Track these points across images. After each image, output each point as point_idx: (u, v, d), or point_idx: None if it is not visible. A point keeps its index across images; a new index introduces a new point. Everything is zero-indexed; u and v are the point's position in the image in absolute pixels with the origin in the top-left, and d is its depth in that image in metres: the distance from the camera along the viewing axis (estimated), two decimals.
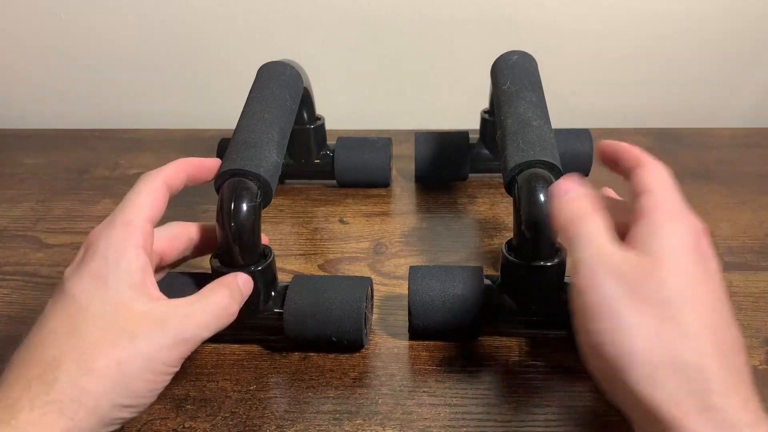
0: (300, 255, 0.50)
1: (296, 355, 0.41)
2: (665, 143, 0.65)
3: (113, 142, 0.69)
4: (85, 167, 0.64)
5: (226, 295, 0.34)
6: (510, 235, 0.39)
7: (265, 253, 0.39)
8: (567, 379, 0.38)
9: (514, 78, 0.45)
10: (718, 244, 0.50)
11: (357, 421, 0.36)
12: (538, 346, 0.41)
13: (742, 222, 0.53)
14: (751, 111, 0.73)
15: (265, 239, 0.40)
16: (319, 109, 0.57)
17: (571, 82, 0.71)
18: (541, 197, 0.37)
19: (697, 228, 0.31)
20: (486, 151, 0.57)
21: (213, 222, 0.38)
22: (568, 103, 0.71)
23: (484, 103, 0.57)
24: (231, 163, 0.38)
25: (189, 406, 0.37)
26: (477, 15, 0.67)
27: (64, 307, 0.31)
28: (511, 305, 0.39)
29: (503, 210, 0.55)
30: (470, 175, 0.59)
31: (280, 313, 0.39)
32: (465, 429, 0.36)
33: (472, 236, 0.52)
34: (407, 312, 0.40)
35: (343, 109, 0.66)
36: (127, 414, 0.31)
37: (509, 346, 0.41)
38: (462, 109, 0.65)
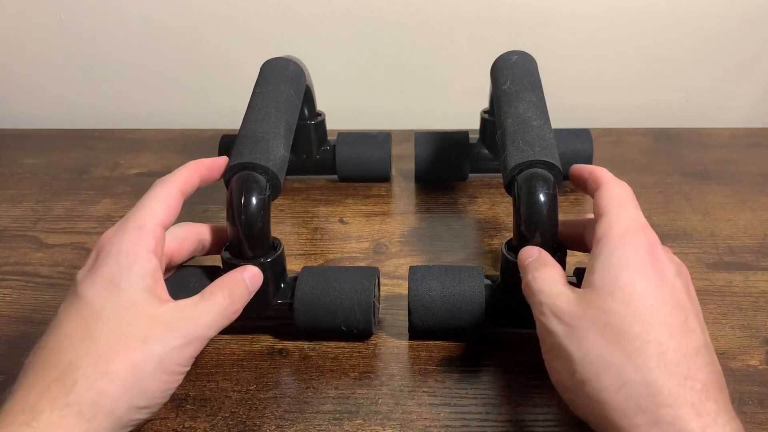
0: (300, 255, 0.50)
1: (296, 355, 0.41)
2: (665, 143, 0.65)
3: (113, 142, 0.69)
4: (85, 167, 0.64)
5: (227, 296, 0.35)
6: (510, 235, 0.39)
7: (275, 245, 0.40)
8: None
9: (514, 78, 0.45)
10: (718, 245, 0.50)
11: (357, 421, 0.36)
12: (538, 346, 0.41)
13: (742, 222, 0.53)
14: (751, 111, 0.73)
15: None
16: (320, 109, 0.57)
17: (571, 82, 0.71)
18: (541, 197, 0.37)
19: (647, 240, 0.32)
20: (486, 151, 0.57)
21: (221, 222, 0.38)
22: (568, 103, 0.71)
23: (484, 103, 0.57)
24: (240, 157, 0.39)
25: (189, 406, 0.37)
26: (477, 15, 0.67)
27: (79, 312, 0.31)
28: (511, 305, 0.39)
29: (503, 210, 0.55)
30: (470, 175, 0.59)
31: (290, 304, 0.40)
32: (465, 429, 0.36)
33: (472, 236, 0.52)
34: (407, 312, 0.40)
35: (343, 109, 0.66)
36: (142, 415, 0.31)
37: (509, 346, 0.41)
38: (462, 109, 0.65)
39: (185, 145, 0.68)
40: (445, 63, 0.70)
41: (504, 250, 0.39)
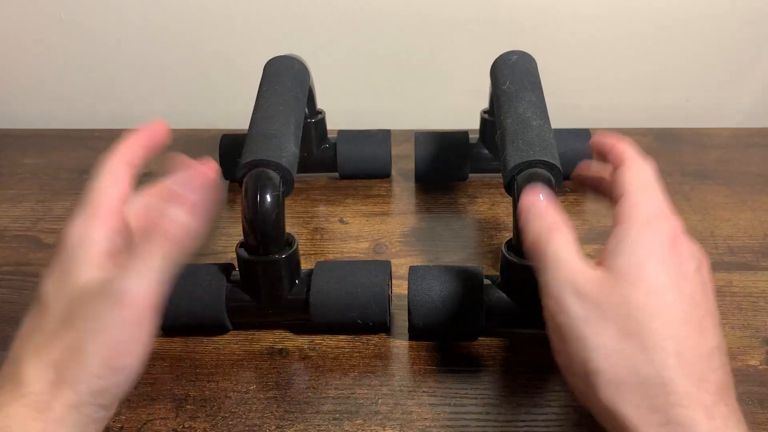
0: (300, 255, 0.50)
1: (296, 355, 0.41)
2: (665, 143, 0.65)
3: (113, 142, 0.69)
4: (85, 167, 0.64)
5: (157, 249, 0.31)
6: (510, 235, 0.39)
7: (290, 241, 0.40)
8: None
9: (513, 78, 0.45)
10: (718, 245, 0.50)
11: (357, 421, 0.36)
12: (538, 346, 0.41)
13: (742, 222, 0.53)
14: (751, 111, 0.73)
15: None
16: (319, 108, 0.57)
17: (571, 82, 0.71)
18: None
19: (672, 230, 0.31)
20: (486, 151, 0.57)
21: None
22: (568, 103, 0.71)
23: (484, 103, 0.57)
24: (252, 154, 0.39)
25: (189, 406, 0.37)
26: (477, 15, 0.67)
27: (33, 310, 0.31)
28: (511, 305, 0.39)
29: (503, 210, 0.55)
30: (470, 175, 0.58)
31: (306, 299, 0.40)
32: (465, 429, 0.36)
33: (472, 236, 0.52)
34: (407, 312, 0.40)
35: (342, 109, 0.66)
36: (120, 378, 0.29)
37: (509, 346, 0.41)
38: (462, 109, 0.65)
39: (185, 145, 0.67)
40: (445, 63, 0.70)
41: (504, 250, 0.39)
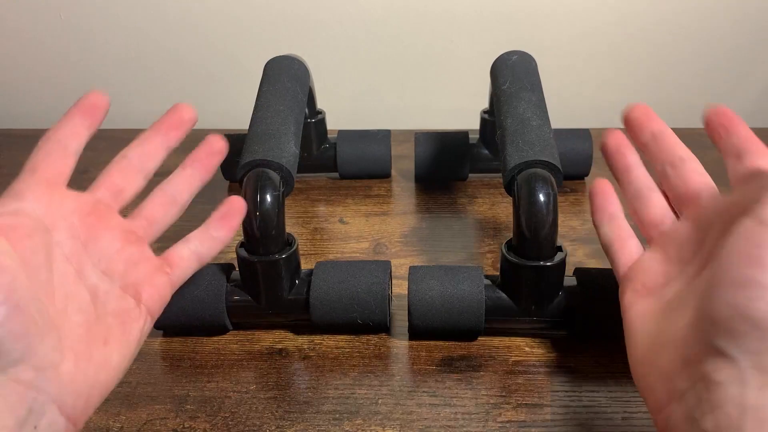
0: (300, 255, 0.50)
1: (296, 355, 0.41)
2: None
3: (113, 142, 0.68)
4: (85, 167, 0.63)
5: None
6: (510, 235, 0.39)
7: (290, 241, 0.40)
8: (567, 379, 0.39)
9: (513, 78, 0.45)
10: None
11: (357, 421, 0.36)
12: (538, 346, 0.41)
13: None
14: (751, 111, 0.73)
15: None
16: (319, 108, 0.57)
17: (571, 82, 0.71)
18: (541, 197, 0.37)
19: None
20: (486, 151, 0.57)
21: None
22: (568, 103, 0.71)
23: (484, 103, 0.57)
24: (252, 154, 0.39)
25: (189, 406, 0.37)
26: (477, 15, 0.67)
27: None
28: (511, 305, 0.39)
29: (503, 210, 0.55)
30: (470, 175, 0.59)
31: (306, 299, 0.40)
32: (465, 429, 0.36)
33: (472, 236, 0.52)
34: (407, 312, 0.40)
35: (342, 109, 0.66)
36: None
37: (509, 346, 0.41)
38: (462, 109, 0.65)
39: (185, 145, 0.68)
40: (445, 63, 0.70)
41: (504, 250, 0.39)
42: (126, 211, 0.36)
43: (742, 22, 0.67)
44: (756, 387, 0.24)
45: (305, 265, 0.43)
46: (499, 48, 0.50)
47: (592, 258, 0.49)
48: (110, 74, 0.73)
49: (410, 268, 0.41)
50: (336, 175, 0.59)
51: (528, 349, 0.41)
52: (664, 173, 0.35)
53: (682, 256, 0.31)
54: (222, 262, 0.42)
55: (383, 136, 0.58)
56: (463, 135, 0.58)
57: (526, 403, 0.37)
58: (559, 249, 0.38)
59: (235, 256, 0.40)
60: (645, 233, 0.35)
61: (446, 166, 0.58)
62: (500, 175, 0.40)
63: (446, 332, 0.40)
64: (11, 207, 0.31)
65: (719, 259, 0.26)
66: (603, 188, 0.37)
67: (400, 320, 0.43)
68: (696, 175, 0.34)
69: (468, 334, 0.41)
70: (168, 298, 0.34)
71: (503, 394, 0.38)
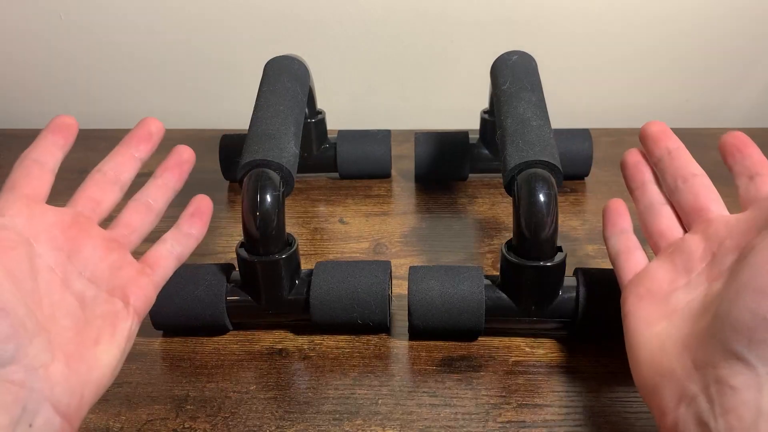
0: (300, 255, 0.50)
1: (296, 356, 0.41)
2: None
3: (113, 142, 0.68)
4: (85, 167, 0.63)
5: None
6: (510, 235, 0.39)
7: (290, 241, 0.40)
8: (567, 379, 0.39)
9: (513, 78, 0.45)
10: None
11: (357, 421, 0.36)
12: (538, 346, 0.41)
13: None
14: (751, 111, 0.73)
15: None
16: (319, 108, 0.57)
17: (571, 82, 0.71)
18: (541, 197, 0.37)
19: None
20: (486, 151, 0.57)
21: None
22: (568, 103, 0.71)
23: (484, 103, 0.57)
24: (253, 154, 0.39)
25: (189, 406, 0.37)
26: (477, 15, 0.67)
27: None
28: (511, 305, 0.39)
29: (503, 210, 0.55)
30: (470, 175, 0.59)
31: (306, 300, 0.40)
32: (465, 429, 0.36)
33: (472, 236, 0.52)
34: (407, 312, 0.40)
35: (342, 109, 0.66)
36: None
37: (509, 346, 0.41)
38: (462, 109, 0.65)
39: (193, 145, 0.68)
40: (445, 63, 0.70)
41: (504, 250, 0.39)
42: (106, 223, 0.38)
43: (742, 23, 0.67)
44: None
45: (305, 265, 0.43)
46: (499, 48, 0.50)
47: (592, 258, 0.49)
48: (110, 74, 0.73)
49: (410, 268, 0.41)
50: (336, 175, 0.59)
51: (528, 349, 0.41)
52: (675, 187, 0.36)
53: (689, 266, 0.32)
54: (222, 262, 0.42)
55: (383, 136, 0.58)
56: (463, 135, 0.58)
57: (526, 404, 0.37)
58: (559, 249, 0.38)
59: (235, 256, 0.40)
60: (653, 244, 0.36)
61: (446, 166, 0.58)
62: (500, 175, 0.40)
63: (446, 332, 0.40)
64: None
65: (742, 268, 0.27)
66: (617, 206, 0.39)
67: (400, 320, 0.43)
68: (706, 190, 0.36)
69: (468, 334, 0.41)
70: (153, 298, 0.36)
71: (503, 394, 0.38)
